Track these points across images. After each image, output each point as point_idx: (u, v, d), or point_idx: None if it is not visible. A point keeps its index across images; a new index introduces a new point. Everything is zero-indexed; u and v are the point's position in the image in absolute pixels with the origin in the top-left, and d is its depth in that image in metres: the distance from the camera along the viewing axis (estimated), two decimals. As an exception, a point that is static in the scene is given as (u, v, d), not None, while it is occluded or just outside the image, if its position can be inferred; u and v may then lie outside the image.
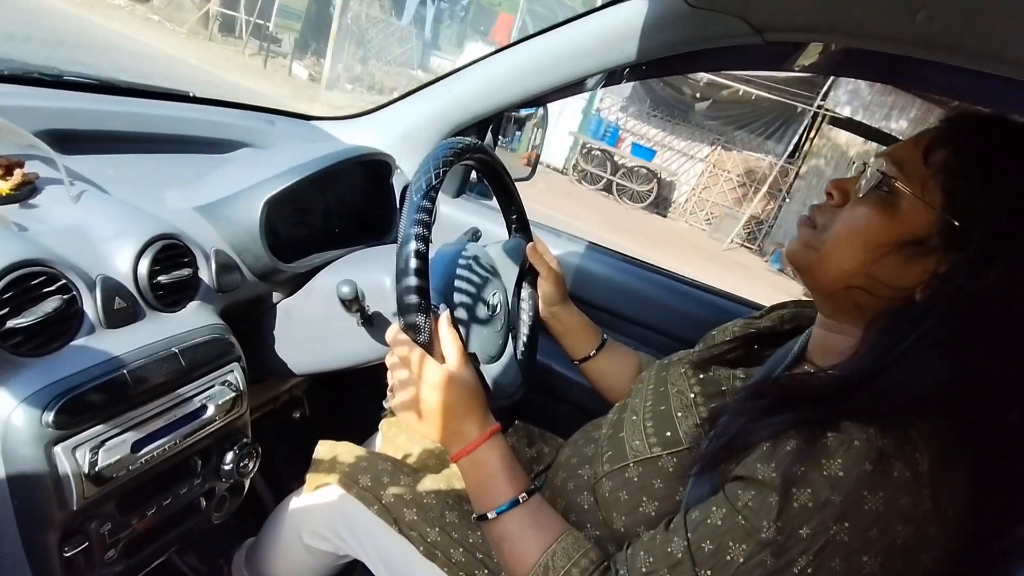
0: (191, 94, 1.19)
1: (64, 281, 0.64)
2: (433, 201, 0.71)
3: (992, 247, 0.55)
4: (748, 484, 0.57)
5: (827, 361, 0.66)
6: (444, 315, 0.73)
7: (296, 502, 0.97)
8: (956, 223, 0.56)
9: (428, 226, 0.69)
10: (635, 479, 0.70)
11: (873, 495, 0.51)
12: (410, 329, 0.69)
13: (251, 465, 0.84)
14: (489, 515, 0.69)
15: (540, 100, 1.27)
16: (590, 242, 1.32)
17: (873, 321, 0.61)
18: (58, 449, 0.61)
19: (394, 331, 0.71)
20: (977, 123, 0.61)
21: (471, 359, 0.75)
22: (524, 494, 0.69)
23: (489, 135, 1.32)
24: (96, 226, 0.73)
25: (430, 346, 0.70)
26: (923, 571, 0.52)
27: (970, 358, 0.55)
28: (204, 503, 0.81)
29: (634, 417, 0.77)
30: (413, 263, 0.67)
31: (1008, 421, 0.56)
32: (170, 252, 0.76)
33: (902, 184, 0.59)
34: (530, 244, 1.02)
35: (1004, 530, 0.57)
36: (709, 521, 0.57)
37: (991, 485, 0.55)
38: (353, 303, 0.79)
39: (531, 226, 1.05)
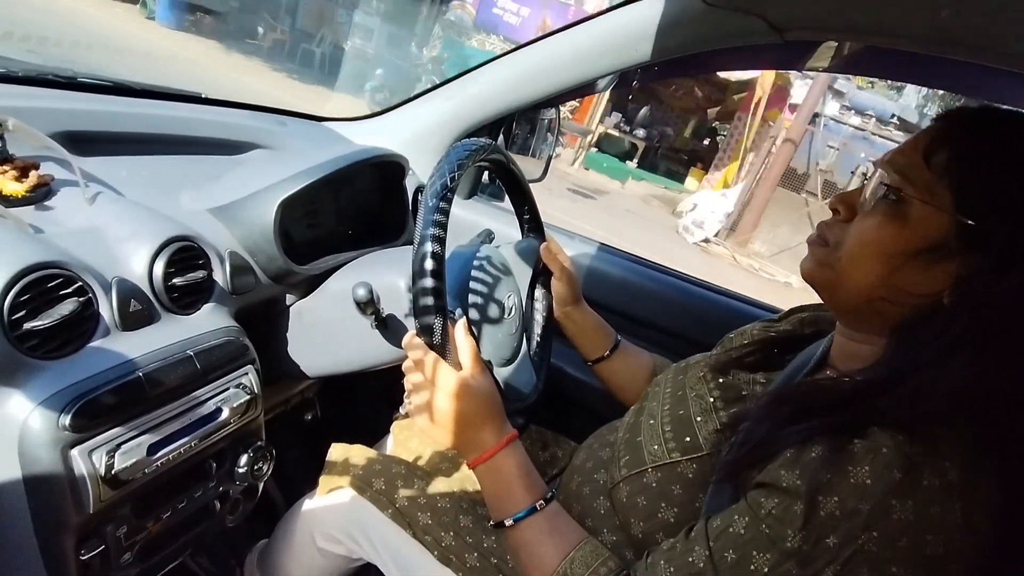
0: (202, 95, 1.19)
1: (80, 283, 0.64)
2: (449, 203, 0.70)
3: (1014, 244, 0.54)
4: (772, 492, 0.55)
5: (850, 367, 0.65)
6: (461, 321, 0.72)
7: (309, 505, 0.97)
8: (971, 223, 0.55)
9: (444, 228, 0.69)
10: (653, 484, 0.69)
11: (902, 504, 0.50)
12: (426, 333, 0.69)
13: (265, 468, 0.84)
14: (506, 522, 0.68)
15: (553, 101, 1.26)
16: (603, 243, 1.31)
17: (898, 328, 0.60)
18: (75, 452, 0.61)
19: (410, 336, 0.70)
20: (972, 118, 0.60)
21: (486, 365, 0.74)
22: (542, 501, 0.68)
23: (501, 136, 1.32)
24: (111, 228, 0.73)
25: (446, 351, 0.70)
26: None
27: (998, 360, 0.54)
28: (218, 506, 0.81)
29: (651, 421, 0.76)
30: (429, 265, 0.67)
31: None
32: (185, 254, 0.76)
33: (908, 191, 0.58)
34: (544, 244, 1.01)
35: None
36: (731, 530, 0.56)
37: (1019, 493, 0.54)
38: (368, 305, 0.79)
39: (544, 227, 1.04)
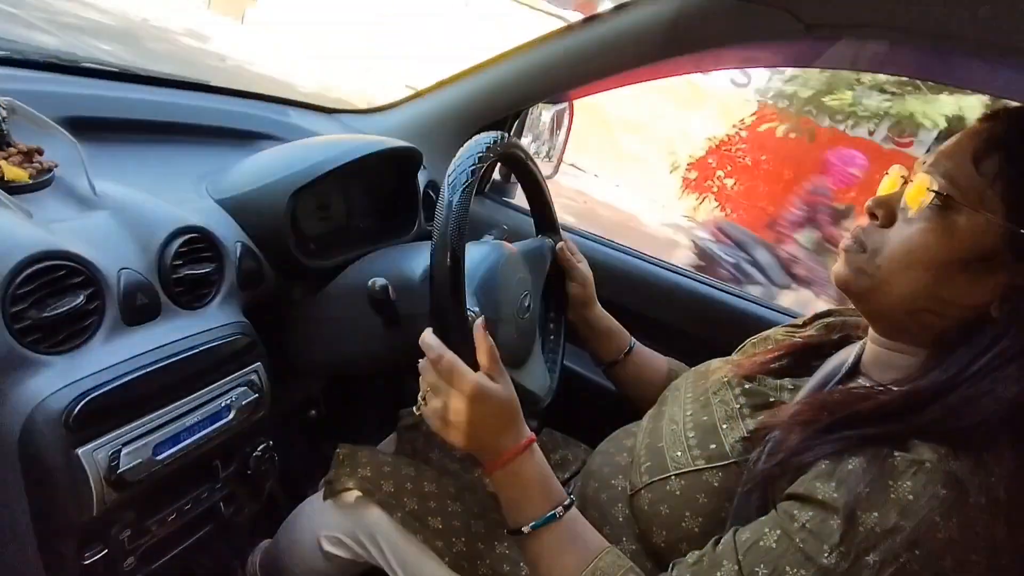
0: (210, 83, 1.16)
1: (86, 275, 0.62)
2: (469, 199, 0.67)
3: None
4: (806, 504, 0.53)
5: (885, 376, 0.62)
6: (479, 321, 0.69)
7: (314, 506, 0.94)
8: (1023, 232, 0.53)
9: (464, 225, 0.66)
10: (677, 492, 0.67)
11: (947, 522, 0.48)
12: (444, 332, 0.66)
13: (272, 467, 0.81)
14: (524, 529, 0.66)
15: (568, 95, 1.24)
16: (618, 244, 1.29)
17: (940, 339, 0.58)
18: (79, 452, 0.58)
19: (427, 334, 0.68)
20: (1022, 120, 0.57)
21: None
22: (561, 508, 0.66)
23: (513, 131, 1.29)
24: (117, 218, 0.70)
25: (464, 352, 0.67)
26: None
27: None
28: (224, 507, 0.78)
29: (673, 426, 0.73)
30: (449, 263, 0.64)
31: None
32: (193, 246, 0.73)
33: (958, 199, 0.55)
34: (560, 244, 0.99)
35: None
36: (762, 543, 0.54)
37: None
38: (384, 302, 0.76)
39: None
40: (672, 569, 0.60)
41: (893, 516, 0.49)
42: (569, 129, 1.39)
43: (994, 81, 0.94)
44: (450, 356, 0.66)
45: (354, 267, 0.90)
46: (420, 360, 0.70)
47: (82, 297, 0.60)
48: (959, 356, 0.55)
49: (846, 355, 0.70)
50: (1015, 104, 0.60)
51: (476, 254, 0.86)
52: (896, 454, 0.51)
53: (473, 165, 0.69)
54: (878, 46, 0.97)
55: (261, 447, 0.79)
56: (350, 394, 1.35)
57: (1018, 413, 0.51)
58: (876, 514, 0.49)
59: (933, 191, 0.57)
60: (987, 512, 0.48)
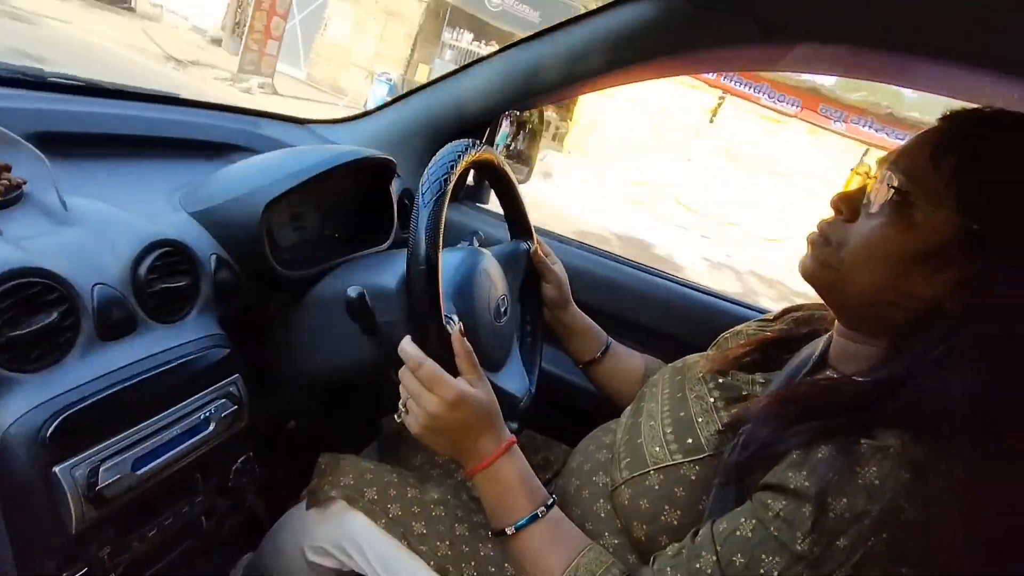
0: (178, 96, 1.15)
1: (60, 292, 0.61)
2: (443, 206, 0.69)
3: (1016, 251, 0.55)
4: (779, 493, 0.55)
5: (850, 368, 0.65)
6: (457, 327, 0.70)
7: (297, 517, 0.94)
8: (976, 228, 0.55)
9: (439, 233, 0.67)
10: (656, 487, 0.69)
11: (911, 504, 0.50)
12: (423, 339, 0.67)
13: (253, 480, 0.81)
14: (507, 530, 0.67)
15: (538, 103, 1.26)
16: (591, 246, 1.31)
17: (902, 331, 0.60)
18: (56, 470, 0.57)
19: (407, 342, 0.69)
20: (979, 121, 0.60)
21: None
22: (543, 508, 0.67)
23: (486, 139, 1.31)
24: (90, 233, 0.70)
25: (443, 359, 0.68)
26: None
27: (1002, 366, 0.54)
28: (205, 521, 0.78)
29: (652, 422, 0.75)
30: (425, 270, 0.65)
31: None
32: (168, 260, 0.73)
33: (917, 196, 0.58)
34: (533, 247, 1.00)
35: None
36: (739, 533, 0.56)
37: (1021, 494, 0.54)
38: (361, 311, 0.77)
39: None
40: (653, 562, 0.62)
41: (861, 501, 0.51)
42: (541, 134, 1.41)
43: (951, 84, 0.98)
44: (429, 363, 0.67)
45: (330, 276, 0.91)
46: (400, 368, 0.71)
47: (56, 314, 0.60)
48: (916, 348, 0.57)
49: (814, 348, 0.73)
50: (972, 106, 0.63)
51: (452, 260, 0.87)
52: (862, 442, 0.53)
53: (446, 173, 0.70)
54: (837, 49, 1.00)
55: (242, 459, 0.79)
56: (331, 404, 1.35)
57: (975, 401, 0.54)
58: (845, 500, 0.51)
59: (893, 187, 0.59)
60: (947, 494, 0.50)
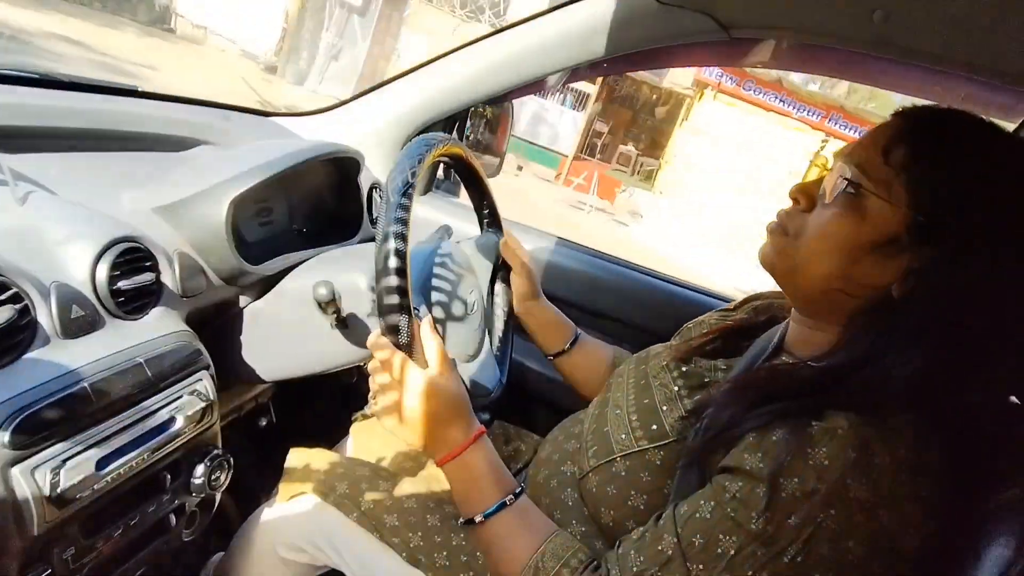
0: (138, 88, 1.12)
1: (15, 290, 0.60)
2: (411, 199, 0.69)
3: (959, 242, 0.57)
4: (736, 475, 0.57)
5: (806, 353, 0.67)
6: (426, 319, 0.71)
7: (268, 513, 0.93)
8: (922, 219, 0.58)
9: (407, 225, 0.67)
10: (623, 473, 0.71)
11: (857, 482, 0.52)
12: (391, 332, 0.68)
13: (223, 477, 0.80)
14: (476, 519, 0.68)
15: (506, 96, 1.26)
16: (560, 237, 1.33)
17: (853, 318, 0.62)
18: (15, 471, 0.56)
19: (376, 335, 0.69)
20: (930, 118, 0.63)
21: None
22: (511, 496, 0.69)
23: (455, 132, 1.31)
24: (47, 229, 0.68)
25: (412, 350, 0.69)
26: (907, 554, 0.53)
27: (946, 351, 0.57)
28: (174, 520, 0.76)
29: (617, 411, 0.77)
30: (394, 263, 0.66)
31: (977, 401, 0.59)
32: (130, 256, 0.71)
33: (868, 187, 0.60)
34: (503, 240, 1.01)
35: (979, 503, 0.59)
36: (698, 515, 0.58)
37: (965, 461, 0.57)
38: (329, 305, 0.77)
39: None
40: (618, 546, 0.63)
41: (811, 480, 0.53)
42: (510, 127, 1.42)
43: (905, 81, 1.01)
44: (400, 356, 0.68)
45: (298, 271, 0.90)
46: (370, 362, 0.71)
47: (12, 312, 0.58)
48: (868, 334, 0.60)
49: (772, 335, 0.75)
50: (923, 103, 0.66)
51: (421, 253, 0.88)
52: (814, 424, 0.55)
53: (415, 166, 0.70)
54: (800, 46, 1.03)
55: (210, 457, 0.78)
56: (301, 399, 1.34)
57: (920, 385, 0.56)
58: (796, 480, 0.53)
59: (846, 179, 0.62)
60: (891, 470, 0.53)
